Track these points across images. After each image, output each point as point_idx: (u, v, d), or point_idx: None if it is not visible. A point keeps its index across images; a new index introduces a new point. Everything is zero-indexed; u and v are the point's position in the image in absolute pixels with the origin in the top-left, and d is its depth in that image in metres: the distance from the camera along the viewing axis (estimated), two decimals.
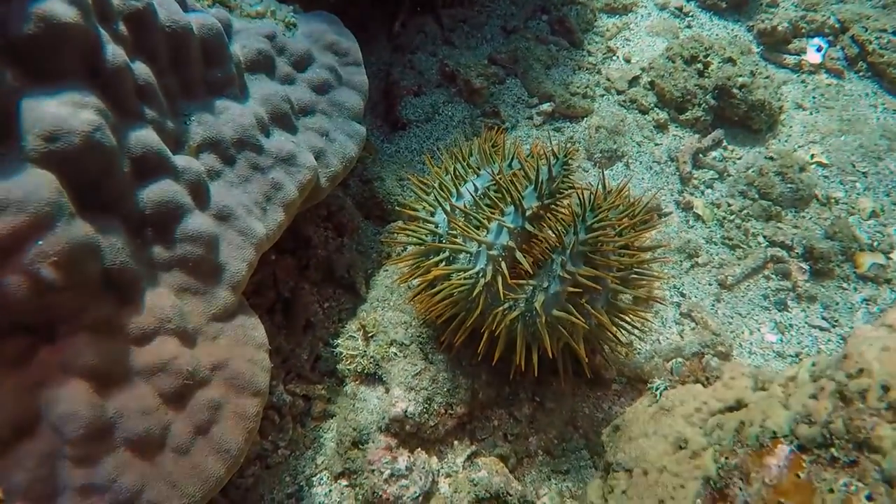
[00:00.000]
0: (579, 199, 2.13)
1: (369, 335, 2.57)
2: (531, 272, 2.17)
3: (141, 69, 1.97)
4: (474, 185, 2.33)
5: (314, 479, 2.44)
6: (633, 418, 1.92)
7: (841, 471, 1.53)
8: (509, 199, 2.19)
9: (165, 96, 2.08)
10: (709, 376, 1.87)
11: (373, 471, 2.33)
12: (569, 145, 2.46)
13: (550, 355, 2.17)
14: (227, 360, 1.98)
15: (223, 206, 2.11)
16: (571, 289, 2.09)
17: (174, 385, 1.85)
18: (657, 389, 1.89)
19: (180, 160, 2.03)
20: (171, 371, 1.85)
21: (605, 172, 3.57)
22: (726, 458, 1.69)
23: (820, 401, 1.63)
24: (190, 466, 1.83)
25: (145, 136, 1.92)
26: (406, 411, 2.39)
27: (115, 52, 1.83)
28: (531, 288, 2.16)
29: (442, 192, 2.31)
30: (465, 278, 2.16)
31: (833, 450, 1.55)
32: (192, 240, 1.97)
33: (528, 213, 2.16)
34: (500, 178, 2.21)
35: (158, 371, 1.84)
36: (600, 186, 2.26)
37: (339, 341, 2.61)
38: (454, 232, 2.23)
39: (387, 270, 2.84)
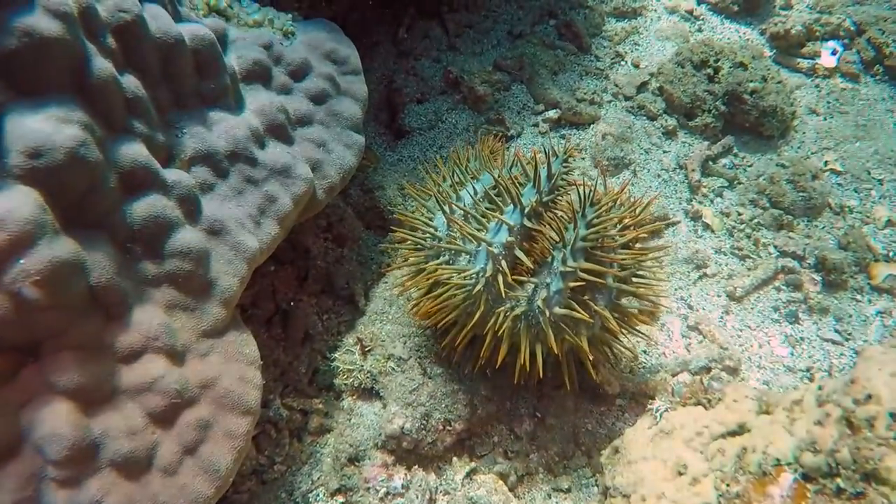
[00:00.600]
0: (578, 194, 2.10)
1: (367, 349, 2.52)
2: (532, 270, 2.14)
3: (130, 82, 1.93)
4: (473, 188, 2.31)
5: (310, 495, 2.40)
6: (633, 441, 1.86)
7: (847, 503, 1.47)
8: (508, 198, 2.16)
9: (156, 109, 2.05)
10: (711, 398, 1.80)
11: (368, 489, 2.28)
12: (569, 145, 2.41)
13: (556, 352, 2.13)
14: (216, 377, 1.95)
15: (215, 220, 2.08)
16: (574, 284, 2.05)
17: (161, 404, 1.81)
18: (657, 411, 1.83)
19: (170, 174, 1.99)
20: (158, 390, 1.82)
21: (612, 180, 3.50)
22: (727, 485, 1.62)
23: (825, 427, 1.57)
24: (177, 487, 1.80)
25: (134, 151, 1.88)
26: (403, 428, 2.35)
27: (101, 66, 1.80)
28: (532, 286, 2.13)
29: (441, 195, 2.28)
30: (465, 278, 2.11)
31: (839, 480, 1.49)
32: (181, 255, 1.94)
33: (526, 209, 2.14)
34: (500, 178, 2.18)
35: (145, 390, 1.81)
36: (600, 186, 2.23)
37: (336, 355, 2.57)
38: (454, 234, 2.20)
39: (386, 282, 2.80)
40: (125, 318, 1.83)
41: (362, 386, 2.47)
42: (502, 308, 2.13)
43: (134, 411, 1.78)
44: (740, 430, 1.73)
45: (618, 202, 2.25)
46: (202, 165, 2.14)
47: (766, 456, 1.60)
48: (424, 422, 2.38)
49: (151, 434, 1.80)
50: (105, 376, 1.75)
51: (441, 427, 2.41)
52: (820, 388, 1.68)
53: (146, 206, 1.89)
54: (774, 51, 4.22)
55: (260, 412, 2.03)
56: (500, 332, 2.13)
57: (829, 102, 3.99)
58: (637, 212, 2.22)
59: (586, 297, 2.10)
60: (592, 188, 2.12)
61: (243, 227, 2.15)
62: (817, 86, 4.09)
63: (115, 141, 1.87)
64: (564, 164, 2.33)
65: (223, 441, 1.90)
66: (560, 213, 2.20)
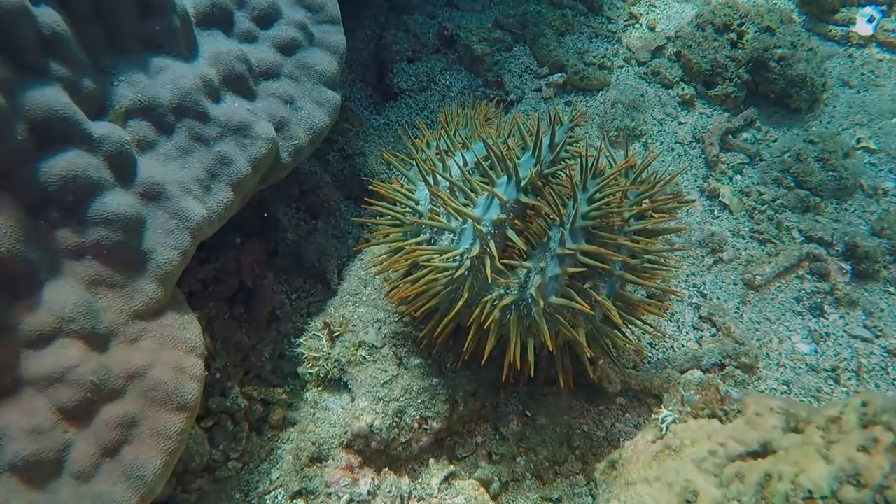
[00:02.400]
0: (580, 165, 1.89)
1: (335, 335, 2.26)
2: (525, 253, 1.93)
3: (47, 15, 1.65)
4: (463, 157, 2.06)
5: (267, 497, 2.15)
6: (633, 456, 1.58)
7: None
8: (502, 169, 1.95)
9: (84, 51, 1.77)
10: (728, 409, 1.51)
11: (329, 494, 2.03)
12: (576, 112, 2.12)
13: (551, 348, 1.92)
14: (146, 367, 1.69)
15: (152, 182, 1.80)
16: (572, 269, 1.83)
17: (75, 398, 1.57)
18: (663, 422, 1.54)
19: (98, 127, 1.72)
20: (71, 381, 1.57)
21: (616, 153, 3.21)
22: None
23: (873, 456, 1.28)
24: (92, 496, 1.55)
25: (49, 97, 1.62)
26: (372, 425, 2.09)
27: None
28: (525, 271, 1.91)
29: (425, 164, 2.01)
30: (447, 260, 1.89)
31: None
32: (107, 222, 1.68)
33: (523, 182, 1.92)
34: (493, 146, 1.89)
35: (56, 381, 1.56)
36: (607, 156, 1.96)
37: (300, 340, 2.29)
38: (437, 208, 1.97)
39: (362, 259, 2.51)
40: (34, 296, 1.57)
41: (329, 376, 2.22)
42: (489, 296, 1.92)
43: (41, 406, 1.55)
44: (763, 450, 1.45)
45: (636, 176, 1.97)
46: (141, 119, 1.87)
47: (796, 486, 1.32)
48: (397, 419, 2.12)
49: (63, 433, 1.55)
50: (5, 364, 1.49)
51: (416, 425, 2.15)
52: (864, 404, 1.39)
53: (64, 164, 1.64)
54: (804, 16, 3.97)
55: (198, 408, 1.76)
56: (487, 324, 1.86)
57: (863, 74, 3.75)
58: (653, 189, 1.94)
59: (587, 286, 1.83)
60: (595, 157, 1.83)
61: (188, 193, 1.87)
62: (851, 55, 3.85)
63: (26, 84, 1.60)
64: (569, 134, 2.06)
65: (151, 441, 1.64)
66: (561, 189, 1.99)
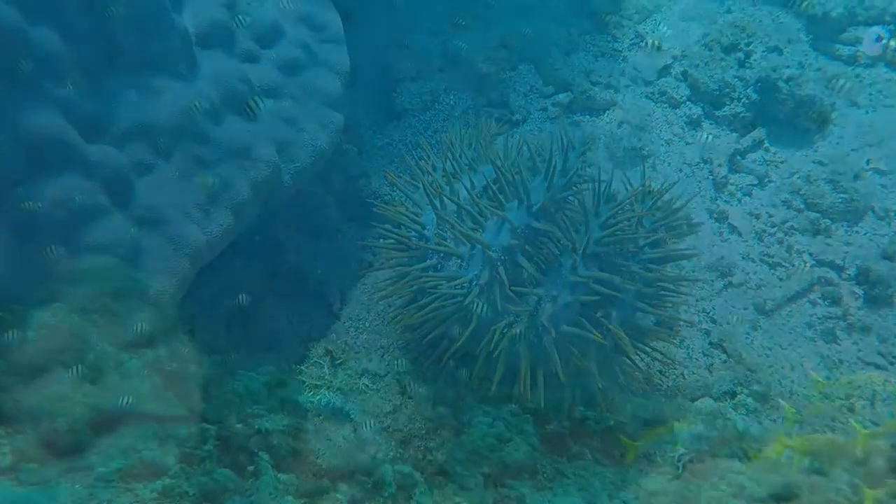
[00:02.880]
0: (593, 190, 1.89)
1: (337, 362, 2.20)
2: (535, 279, 1.89)
3: (43, 37, 1.61)
4: (471, 180, 2.03)
5: None
6: (647, 497, 1.50)
7: None
8: (512, 194, 1.93)
9: (81, 71, 1.73)
10: (747, 448, 1.44)
11: None
12: (588, 136, 2.10)
13: (562, 377, 1.87)
14: (140, 398, 1.61)
15: (150, 207, 1.78)
16: (587, 298, 1.81)
17: (66, 431, 1.48)
18: (679, 460, 1.47)
19: (95, 151, 1.69)
20: (63, 412, 1.49)
21: (627, 175, 3.17)
22: None
23: None
24: None
25: (44, 120, 1.60)
26: (375, 457, 2.01)
27: (1, 14, 1.46)
28: (536, 298, 1.86)
29: (431, 188, 1.98)
30: (455, 287, 1.86)
31: None
32: (102, 248, 1.65)
33: (534, 208, 1.90)
34: (503, 168, 1.85)
35: (45, 415, 1.47)
36: (620, 180, 1.93)
37: (302, 368, 2.23)
38: (444, 233, 1.93)
39: (365, 284, 2.46)
40: (23, 325, 1.51)
41: (331, 405, 2.14)
42: (499, 324, 1.86)
43: (30, 440, 1.45)
44: (787, 493, 1.38)
45: (651, 204, 1.95)
46: (139, 142, 1.85)
47: None
48: (401, 451, 2.05)
49: (52, 467, 1.47)
50: None
51: (421, 456, 2.09)
52: (894, 446, 1.32)
53: (59, 189, 1.62)
54: (811, 35, 3.90)
55: (193, 439, 1.69)
56: (496, 353, 1.80)
57: (872, 94, 3.69)
58: (667, 217, 1.91)
59: (599, 315, 1.77)
60: (608, 182, 1.80)
61: (187, 217, 1.84)
62: (859, 75, 3.78)
63: (21, 107, 1.56)
64: (582, 158, 2.06)
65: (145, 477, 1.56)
66: (573, 214, 1.96)
